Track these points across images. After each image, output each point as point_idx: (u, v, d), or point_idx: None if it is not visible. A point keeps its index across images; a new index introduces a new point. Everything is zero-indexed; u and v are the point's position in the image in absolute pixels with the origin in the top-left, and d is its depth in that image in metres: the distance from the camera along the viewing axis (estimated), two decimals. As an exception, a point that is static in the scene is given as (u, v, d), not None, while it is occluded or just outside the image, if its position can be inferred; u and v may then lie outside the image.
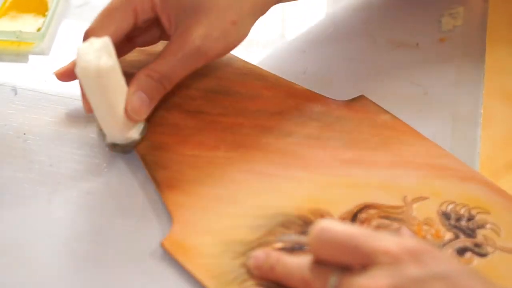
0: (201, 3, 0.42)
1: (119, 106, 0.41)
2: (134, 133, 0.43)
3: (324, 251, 0.34)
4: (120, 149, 0.43)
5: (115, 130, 0.42)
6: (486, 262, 0.37)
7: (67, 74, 0.46)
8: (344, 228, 0.33)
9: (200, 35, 0.41)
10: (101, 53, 0.38)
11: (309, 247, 0.34)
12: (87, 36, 0.42)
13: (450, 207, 0.40)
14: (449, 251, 0.38)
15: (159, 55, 0.42)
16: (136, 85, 0.42)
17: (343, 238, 0.33)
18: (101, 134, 0.44)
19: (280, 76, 0.48)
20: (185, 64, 0.42)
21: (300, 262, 0.35)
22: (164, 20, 0.43)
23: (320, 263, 0.34)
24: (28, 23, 0.54)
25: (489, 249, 0.38)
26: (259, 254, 0.37)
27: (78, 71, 0.39)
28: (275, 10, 0.47)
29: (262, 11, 0.44)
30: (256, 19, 0.44)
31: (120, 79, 0.40)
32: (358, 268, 0.32)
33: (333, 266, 0.33)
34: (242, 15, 0.43)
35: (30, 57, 0.52)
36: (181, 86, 0.46)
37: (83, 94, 0.42)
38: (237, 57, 0.49)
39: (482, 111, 0.46)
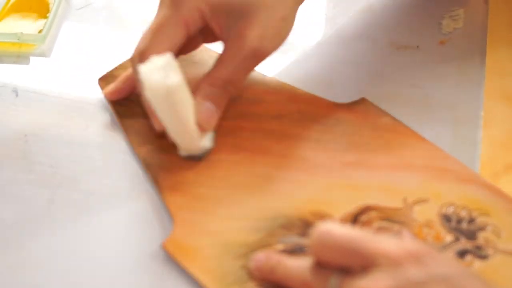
0: (249, 4, 0.41)
1: (190, 119, 0.41)
2: (207, 142, 0.43)
3: (325, 254, 0.34)
4: (196, 159, 0.43)
5: (188, 143, 0.42)
6: (486, 265, 0.37)
7: (118, 92, 0.47)
8: (345, 230, 0.33)
9: (255, 36, 0.41)
10: (166, 71, 0.38)
11: (310, 249, 0.34)
12: (142, 55, 0.41)
13: (450, 209, 0.40)
14: (450, 253, 0.38)
15: (217, 62, 0.42)
16: (201, 96, 0.42)
17: (343, 240, 0.33)
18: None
19: (281, 79, 0.48)
20: (245, 67, 0.43)
21: (300, 264, 0.35)
22: (215, 27, 0.43)
23: (320, 265, 0.34)
24: (29, 25, 0.54)
25: (490, 251, 0.38)
26: (260, 256, 0.37)
27: (147, 93, 0.38)
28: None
29: (302, 0, 0.44)
30: (298, 9, 0.44)
31: (188, 93, 0.40)
32: (358, 270, 0.32)
33: (334, 268, 0.33)
34: (289, 9, 0.43)
35: (31, 58, 0.52)
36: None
37: (151, 113, 0.42)
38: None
39: (482, 113, 0.46)
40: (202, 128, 0.42)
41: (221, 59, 0.42)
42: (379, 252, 0.32)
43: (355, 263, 0.33)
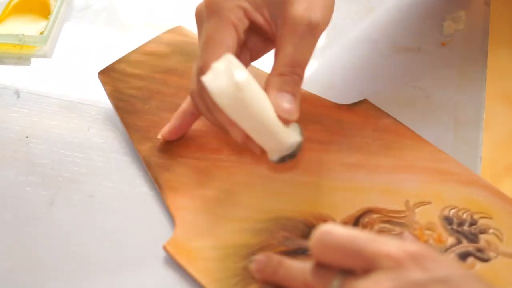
0: None
1: (270, 115, 0.38)
2: (295, 136, 0.40)
3: (326, 255, 0.33)
4: (289, 158, 0.40)
5: (275, 142, 0.39)
6: (488, 267, 0.37)
7: (176, 131, 0.45)
8: (346, 232, 0.33)
9: (302, 11, 0.40)
10: (230, 71, 0.37)
11: (311, 251, 0.34)
12: (201, 70, 0.39)
13: (452, 211, 0.40)
14: (451, 255, 0.38)
15: (276, 52, 0.41)
16: (275, 89, 0.40)
17: (345, 242, 0.33)
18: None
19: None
20: (305, 45, 0.40)
21: (302, 266, 0.35)
22: (260, 20, 0.41)
23: (322, 267, 0.34)
24: (30, 26, 0.54)
25: (492, 254, 0.38)
26: (261, 257, 0.37)
27: (218, 100, 0.36)
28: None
29: None
30: None
31: (259, 88, 0.38)
32: (360, 272, 0.32)
33: (336, 270, 0.33)
34: None
35: (33, 60, 0.52)
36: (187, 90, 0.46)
37: (230, 123, 0.39)
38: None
39: (484, 115, 0.46)
40: (286, 120, 0.39)
41: (279, 47, 0.40)
42: (380, 254, 0.31)
43: (357, 265, 0.32)
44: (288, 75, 0.40)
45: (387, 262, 0.31)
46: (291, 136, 0.39)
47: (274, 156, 0.40)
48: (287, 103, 0.39)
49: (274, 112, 0.38)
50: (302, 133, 0.40)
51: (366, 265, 0.32)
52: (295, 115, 0.40)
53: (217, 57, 0.38)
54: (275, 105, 0.39)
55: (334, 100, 0.47)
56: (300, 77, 0.41)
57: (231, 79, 0.36)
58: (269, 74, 0.40)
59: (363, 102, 0.47)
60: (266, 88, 0.40)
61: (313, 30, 0.40)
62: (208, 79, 0.37)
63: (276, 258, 0.37)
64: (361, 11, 0.55)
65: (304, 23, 0.40)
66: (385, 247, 0.32)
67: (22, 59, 0.52)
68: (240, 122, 0.38)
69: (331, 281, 0.33)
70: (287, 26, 0.40)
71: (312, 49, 0.41)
